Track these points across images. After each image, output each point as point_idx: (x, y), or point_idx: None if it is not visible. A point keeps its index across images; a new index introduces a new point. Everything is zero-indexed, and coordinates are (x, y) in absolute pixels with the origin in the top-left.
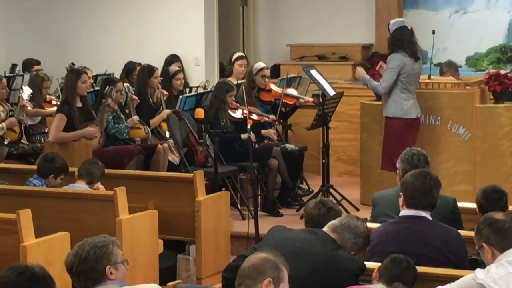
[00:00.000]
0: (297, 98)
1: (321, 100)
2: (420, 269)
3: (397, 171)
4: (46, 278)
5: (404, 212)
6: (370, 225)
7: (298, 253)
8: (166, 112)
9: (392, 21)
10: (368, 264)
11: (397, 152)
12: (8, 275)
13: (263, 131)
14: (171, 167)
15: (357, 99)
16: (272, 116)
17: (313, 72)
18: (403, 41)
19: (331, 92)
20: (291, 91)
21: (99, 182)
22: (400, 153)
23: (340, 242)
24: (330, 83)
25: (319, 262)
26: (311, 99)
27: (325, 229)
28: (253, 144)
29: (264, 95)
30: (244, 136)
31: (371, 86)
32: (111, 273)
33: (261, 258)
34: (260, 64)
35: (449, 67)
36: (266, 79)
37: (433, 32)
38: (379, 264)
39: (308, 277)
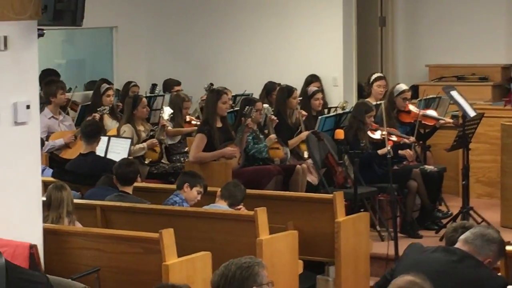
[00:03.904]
0: (437, 119)
1: (461, 121)
2: None
3: None
4: None
5: None
6: None
7: (440, 275)
8: (305, 133)
9: None
10: None
11: None
12: None
13: (400, 151)
14: (310, 187)
15: (498, 120)
16: (411, 138)
17: (454, 93)
18: None
19: (471, 113)
20: (431, 112)
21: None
22: None
23: (474, 253)
24: (470, 104)
25: (464, 283)
26: (450, 121)
27: (458, 244)
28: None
29: (404, 116)
30: (381, 151)
31: None
32: None
33: (408, 281)
34: (402, 86)
35: None
36: (407, 101)
37: None
38: None
39: None
